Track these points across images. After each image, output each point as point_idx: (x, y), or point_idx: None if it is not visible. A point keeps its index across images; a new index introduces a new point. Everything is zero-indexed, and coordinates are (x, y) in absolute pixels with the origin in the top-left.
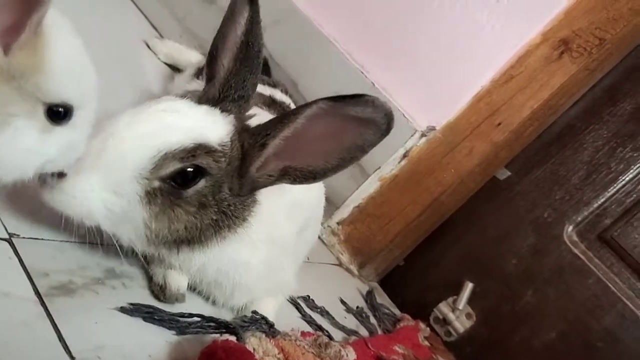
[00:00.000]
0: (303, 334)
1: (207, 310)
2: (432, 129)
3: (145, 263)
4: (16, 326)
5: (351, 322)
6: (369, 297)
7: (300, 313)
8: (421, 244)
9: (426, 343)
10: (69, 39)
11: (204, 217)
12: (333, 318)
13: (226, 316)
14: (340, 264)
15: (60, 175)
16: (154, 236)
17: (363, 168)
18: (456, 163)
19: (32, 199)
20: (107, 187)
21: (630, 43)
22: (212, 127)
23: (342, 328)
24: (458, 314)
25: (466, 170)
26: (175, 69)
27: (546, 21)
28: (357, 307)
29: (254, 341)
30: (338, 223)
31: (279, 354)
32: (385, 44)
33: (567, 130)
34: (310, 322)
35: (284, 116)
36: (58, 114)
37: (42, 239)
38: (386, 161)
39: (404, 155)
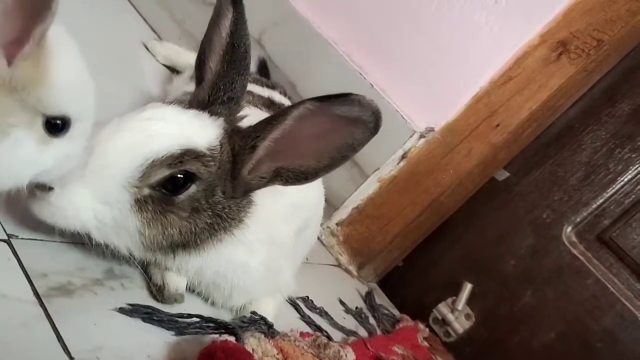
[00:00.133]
0: (302, 334)
1: (206, 310)
2: (431, 130)
3: (142, 271)
4: (15, 327)
5: (350, 323)
6: (368, 297)
7: (300, 313)
8: (420, 245)
9: (425, 344)
10: (71, 53)
11: (197, 221)
12: (332, 319)
13: (225, 316)
14: (339, 265)
15: (48, 188)
16: (148, 242)
17: (362, 169)
18: (455, 164)
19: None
20: (96, 197)
21: (628, 44)
22: (200, 131)
23: (341, 328)
24: (457, 314)
25: (465, 171)
26: (174, 70)
27: (544, 23)
28: (356, 308)
29: (253, 341)
30: (337, 224)
31: (278, 354)
32: (384, 45)
33: (566, 132)
34: (310, 322)
35: (272, 118)
36: (56, 126)
37: (41, 240)
38: (385, 162)
39: (403, 156)
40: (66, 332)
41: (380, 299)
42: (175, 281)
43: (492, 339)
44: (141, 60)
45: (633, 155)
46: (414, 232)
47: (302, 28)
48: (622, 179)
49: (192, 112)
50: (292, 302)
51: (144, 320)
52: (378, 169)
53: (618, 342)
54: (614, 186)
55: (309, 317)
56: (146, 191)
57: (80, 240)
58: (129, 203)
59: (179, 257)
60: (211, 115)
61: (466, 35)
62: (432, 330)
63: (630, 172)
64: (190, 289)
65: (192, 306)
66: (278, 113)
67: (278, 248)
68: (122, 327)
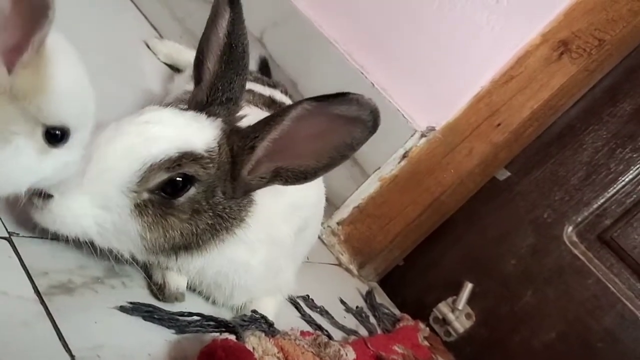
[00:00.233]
0: (302, 333)
1: (207, 309)
2: (432, 129)
3: (144, 273)
4: (16, 325)
5: (351, 322)
6: (368, 297)
7: (300, 312)
8: (421, 244)
9: (426, 343)
10: (71, 63)
11: (199, 223)
12: (332, 318)
13: (226, 315)
14: (340, 264)
15: (47, 196)
16: (150, 246)
17: (363, 168)
18: (456, 163)
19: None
20: (95, 203)
21: (630, 44)
22: (198, 133)
23: (341, 328)
24: (458, 314)
25: (466, 171)
26: (175, 69)
27: (546, 22)
28: (357, 307)
29: (253, 340)
30: (338, 223)
31: (278, 353)
32: (385, 44)
33: (567, 131)
34: (310, 321)
35: (270, 118)
36: (55, 136)
37: (42, 238)
38: (386, 161)
39: (404, 156)
40: (67, 330)
41: (381, 298)
42: (176, 280)
43: (493, 338)
44: (142, 59)
45: (634, 155)
46: (414, 231)
47: (303, 27)
48: (623, 178)
49: (190, 114)
50: (293, 301)
51: (144, 318)
52: (379, 168)
53: (619, 342)
54: (615, 186)
55: (310, 316)
56: (145, 195)
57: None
58: (129, 208)
59: (181, 259)
60: (209, 116)
61: (467, 35)
62: (432, 329)
63: (631, 171)
64: (191, 289)
65: (193, 305)
66: (276, 113)
67: (278, 248)
68: (123, 325)
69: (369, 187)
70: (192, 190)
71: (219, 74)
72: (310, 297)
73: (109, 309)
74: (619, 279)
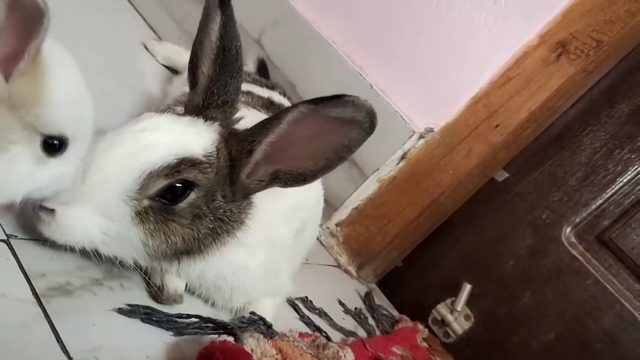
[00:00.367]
0: (301, 334)
1: (205, 311)
2: (430, 130)
3: (141, 272)
4: (14, 327)
5: (349, 323)
6: (367, 298)
7: (299, 314)
8: (419, 245)
9: (424, 344)
10: (69, 72)
11: (200, 227)
12: (331, 319)
13: (224, 317)
14: (338, 266)
15: (50, 210)
16: (153, 252)
17: (361, 170)
18: (454, 165)
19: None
20: (97, 212)
21: (628, 45)
22: (195, 138)
23: (340, 329)
24: (456, 315)
25: (464, 172)
26: (173, 71)
27: (543, 23)
28: (356, 308)
29: (251, 342)
30: (337, 224)
31: (276, 354)
32: (383, 45)
33: (565, 132)
34: (309, 323)
35: (267, 121)
36: (53, 146)
37: (40, 240)
38: (384, 163)
39: (402, 157)
40: (65, 332)
41: (380, 299)
42: (174, 282)
43: (492, 339)
44: (141, 61)
45: (632, 156)
46: (413, 232)
47: (302, 28)
48: (621, 179)
49: (187, 119)
50: (292, 303)
51: (142, 320)
52: (377, 169)
53: (617, 342)
54: (613, 187)
55: (308, 318)
56: (146, 202)
57: None
58: (130, 216)
59: (183, 264)
60: (206, 120)
61: (465, 36)
62: (431, 330)
63: (629, 172)
64: (190, 291)
65: (191, 307)
66: (273, 117)
67: (277, 249)
68: (121, 327)
69: (368, 188)
70: (192, 196)
71: (214, 77)
72: (309, 298)
73: (107, 311)
74: (617, 279)
